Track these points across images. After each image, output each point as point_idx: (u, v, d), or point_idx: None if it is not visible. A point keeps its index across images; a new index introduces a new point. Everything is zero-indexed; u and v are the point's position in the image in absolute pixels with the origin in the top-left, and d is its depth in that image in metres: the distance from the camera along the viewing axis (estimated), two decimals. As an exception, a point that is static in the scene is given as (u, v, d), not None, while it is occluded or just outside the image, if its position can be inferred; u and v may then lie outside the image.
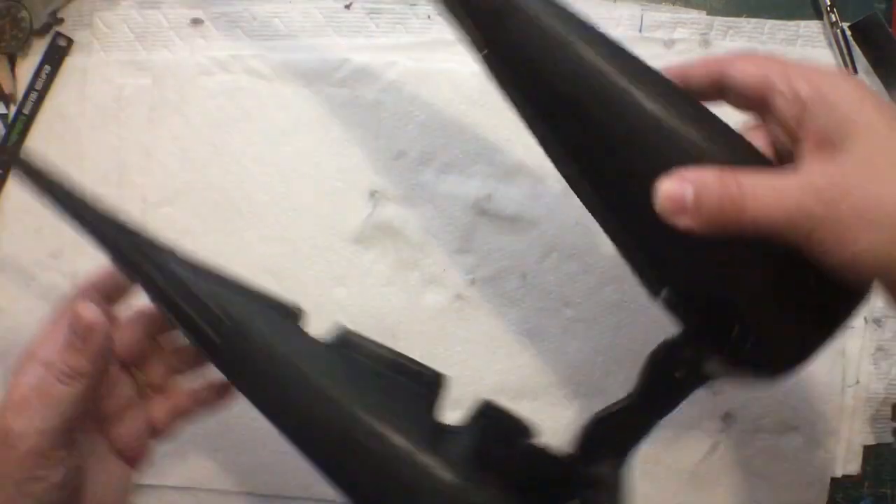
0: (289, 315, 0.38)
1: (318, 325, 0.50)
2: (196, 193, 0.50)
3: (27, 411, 0.32)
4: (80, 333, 0.34)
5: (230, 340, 0.35)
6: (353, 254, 0.50)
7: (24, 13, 0.51)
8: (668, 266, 0.34)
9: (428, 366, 0.37)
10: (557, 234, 0.50)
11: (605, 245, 0.49)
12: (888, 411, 0.51)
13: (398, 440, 0.34)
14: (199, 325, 0.36)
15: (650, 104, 0.33)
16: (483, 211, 0.50)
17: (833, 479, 0.50)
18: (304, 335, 0.37)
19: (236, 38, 0.51)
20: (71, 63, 0.51)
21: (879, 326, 0.51)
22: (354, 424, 0.35)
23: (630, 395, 0.38)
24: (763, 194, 0.29)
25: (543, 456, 0.37)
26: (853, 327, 0.50)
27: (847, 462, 0.50)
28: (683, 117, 0.32)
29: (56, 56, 0.51)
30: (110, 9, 0.51)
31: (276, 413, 0.36)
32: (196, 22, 0.51)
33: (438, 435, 0.36)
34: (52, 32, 0.51)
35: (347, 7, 0.51)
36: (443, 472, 0.34)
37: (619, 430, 0.39)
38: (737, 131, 0.33)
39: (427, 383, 0.37)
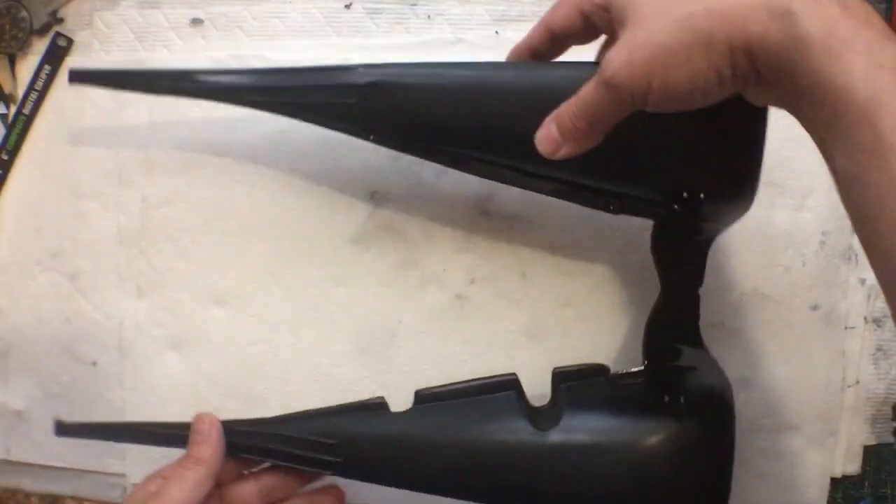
0: (375, 407, 0.43)
1: (322, 328, 0.50)
2: (196, 193, 0.50)
3: (161, 497, 0.40)
4: (201, 431, 0.42)
5: (345, 454, 0.42)
6: (353, 254, 0.50)
7: (24, 13, 0.51)
8: (600, 186, 0.41)
9: (498, 375, 0.43)
10: (557, 234, 0.50)
11: (606, 245, 0.49)
12: (888, 411, 0.51)
13: (505, 438, 0.41)
14: (316, 458, 0.42)
15: (512, 86, 0.39)
16: (483, 211, 0.50)
17: (833, 479, 0.50)
18: (395, 414, 0.43)
19: (236, 38, 0.51)
20: (71, 63, 0.51)
21: (879, 326, 0.51)
22: (469, 449, 0.41)
23: (661, 290, 0.44)
24: (590, 92, 0.33)
25: (625, 379, 0.43)
26: (853, 327, 0.50)
27: (847, 462, 0.50)
28: (543, 80, 0.39)
29: (56, 56, 0.51)
30: (110, 9, 0.51)
31: (409, 481, 0.42)
32: (196, 22, 0.51)
33: (536, 416, 0.42)
34: (52, 32, 0.51)
35: (347, 7, 0.51)
36: (551, 438, 0.41)
37: (673, 319, 0.44)
38: (586, 61, 0.39)
39: (506, 385, 0.43)
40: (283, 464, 0.43)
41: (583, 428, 0.41)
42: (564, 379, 0.43)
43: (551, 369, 0.44)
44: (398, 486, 0.43)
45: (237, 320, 0.49)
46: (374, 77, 0.40)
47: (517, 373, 0.44)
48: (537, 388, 0.44)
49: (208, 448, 0.42)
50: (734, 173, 0.39)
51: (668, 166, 0.39)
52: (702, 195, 0.39)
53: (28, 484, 0.52)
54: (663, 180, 0.40)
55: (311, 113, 0.42)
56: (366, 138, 0.42)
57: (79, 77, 0.46)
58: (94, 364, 0.51)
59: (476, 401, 0.42)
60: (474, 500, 0.42)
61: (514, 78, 0.40)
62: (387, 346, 0.50)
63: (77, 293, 0.51)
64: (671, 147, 0.38)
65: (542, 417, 0.42)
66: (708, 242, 0.43)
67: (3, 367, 0.52)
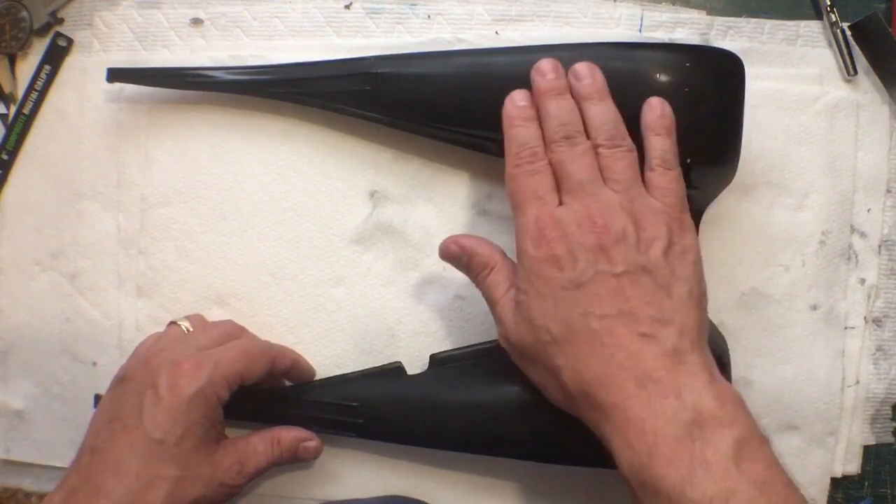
0: (394, 372, 0.47)
1: (322, 328, 0.50)
2: (196, 193, 0.50)
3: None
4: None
5: (366, 415, 0.45)
6: (353, 254, 0.50)
7: (24, 13, 0.51)
8: None
9: None
10: (557, 234, 0.50)
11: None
12: (888, 411, 0.51)
13: (514, 394, 0.43)
14: (341, 420, 0.45)
15: (500, 72, 0.44)
16: (483, 211, 0.50)
17: (833, 479, 0.50)
18: (411, 377, 0.46)
19: (236, 38, 0.51)
20: (71, 63, 0.52)
21: (879, 326, 0.51)
22: (481, 406, 0.44)
23: None
24: None
25: None
26: (853, 327, 0.50)
27: (847, 462, 0.50)
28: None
29: (56, 56, 0.51)
30: (110, 9, 0.51)
31: (425, 439, 0.45)
32: (196, 22, 0.51)
33: None
34: (52, 32, 0.51)
35: (347, 7, 0.51)
36: None
37: None
38: (565, 44, 0.46)
39: None
40: (311, 427, 0.46)
41: None
42: None
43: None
44: (415, 443, 0.45)
45: (237, 320, 0.49)
46: (385, 66, 0.45)
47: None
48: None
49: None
50: (717, 138, 0.43)
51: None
52: (689, 160, 0.42)
53: (28, 484, 0.52)
54: None
55: (330, 101, 0.47)
56: (378, 121, 0.47)
57: (117, 76, 0.48)
58: (94, 364, 0.51)
59: (486, 361, 0.45)
60: (487, 454, 0.44)
61: (502, 63, 0.44)
62: (387, 345, 0.50)
63: (77, 293, 0.51)
64: None
65: None
66: (698, 212, 0.45)
67: (3, 367, 0.52)
